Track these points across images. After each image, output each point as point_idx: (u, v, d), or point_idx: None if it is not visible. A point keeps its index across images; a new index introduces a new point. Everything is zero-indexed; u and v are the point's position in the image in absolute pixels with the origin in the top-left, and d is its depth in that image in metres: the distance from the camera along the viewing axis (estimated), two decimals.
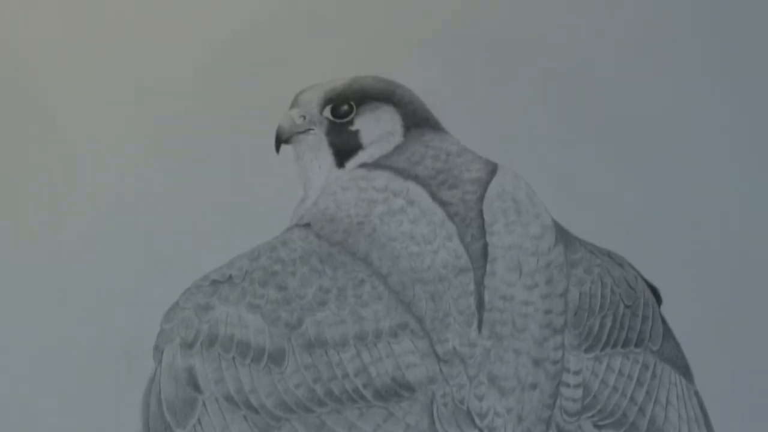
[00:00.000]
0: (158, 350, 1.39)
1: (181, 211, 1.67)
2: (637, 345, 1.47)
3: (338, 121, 1.53)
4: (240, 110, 1.69)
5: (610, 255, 1.51)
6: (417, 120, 1.53)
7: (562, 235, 1.48)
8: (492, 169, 1.49)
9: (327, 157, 1.53)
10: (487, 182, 1.47)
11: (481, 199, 1.45)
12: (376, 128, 1.52)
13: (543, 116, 1.73)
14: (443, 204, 1.45)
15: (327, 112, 1.53)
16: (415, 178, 1.47)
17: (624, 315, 1.47)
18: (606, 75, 1.73)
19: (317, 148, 1.54)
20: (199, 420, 1.35)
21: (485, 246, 1.43)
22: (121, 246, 1.64)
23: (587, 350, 1.44)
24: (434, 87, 1.57)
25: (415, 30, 1.74)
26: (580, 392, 1.41)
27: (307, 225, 1.47)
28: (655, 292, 1.54)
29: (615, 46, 1.72)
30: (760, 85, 1.70)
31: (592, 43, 1.73)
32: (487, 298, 1.41)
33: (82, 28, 1.69)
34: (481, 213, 1.45)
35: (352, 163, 1.53)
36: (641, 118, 1.71)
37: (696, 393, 1.51)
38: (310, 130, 1.54)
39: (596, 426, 1.41)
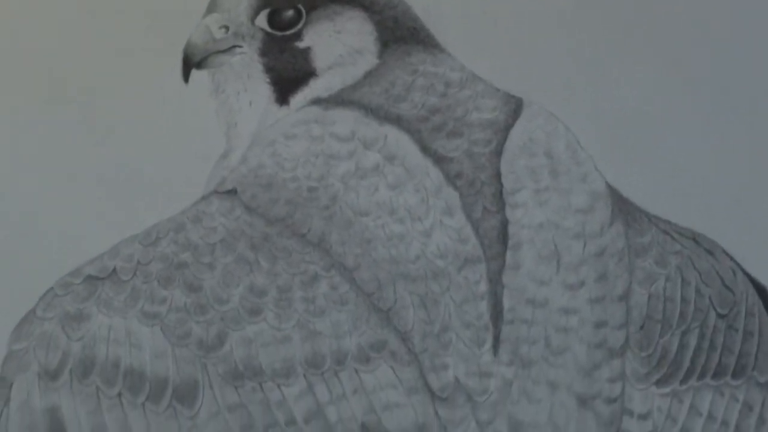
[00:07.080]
0: (5, 383, 1.26)
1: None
2: (736, 375, 1.33)
3: (279, 33, 1.37)
4: (129, 23, 1.52)
5: (695, 239, 1.37)
6: (400, 32, 1.39)
7: (622, 208, 1.35)
8: (514, 108, 1.35)
9: (261, 88, 1.38)
10: (508, 127, 1.33)
11: (499, 152, 1.31)
12: (337, 44, 1.37)
13: (585, 30, 1.54)
14: (440, 160, 1.31)
15: (262, 21, 1.37)
16: (397, 121, 1.33)
17: (716, 329, 1.33)
18: None
19: (247, 75, 1.38)
20: None
21: (504, 224, 1.29)
22: None
23: (660, 383, 1.30)
24: None
25: None
26: None
27: (232, 192, 1.33)
28: (763, 293, 1.40)
29: None
30: None
31: None
32: (507, 303, 1.27)
33: None
34: (498, 174, 1.30)
35: (299, 98, 1.37)
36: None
37: None
38: (235, 47, 1.38)
39: None
